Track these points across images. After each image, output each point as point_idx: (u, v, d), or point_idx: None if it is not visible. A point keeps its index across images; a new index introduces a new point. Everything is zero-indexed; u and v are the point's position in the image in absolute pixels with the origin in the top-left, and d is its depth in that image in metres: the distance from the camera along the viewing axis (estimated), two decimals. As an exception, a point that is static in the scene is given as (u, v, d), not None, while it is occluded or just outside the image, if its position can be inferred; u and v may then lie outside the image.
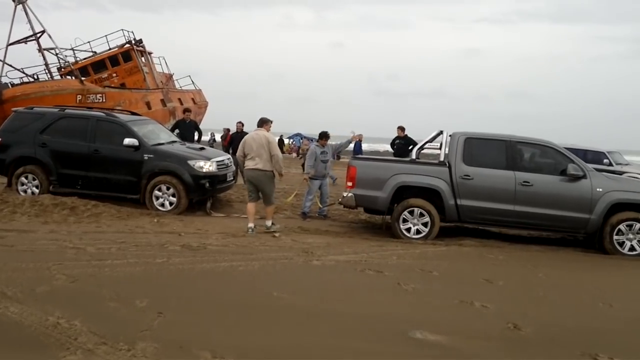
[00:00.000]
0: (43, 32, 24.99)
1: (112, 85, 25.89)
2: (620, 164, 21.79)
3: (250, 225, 9.05)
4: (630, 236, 8.84)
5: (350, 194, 9.58)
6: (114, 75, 26.62)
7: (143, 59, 27.72)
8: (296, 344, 4.33)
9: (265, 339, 4.39)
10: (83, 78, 24.68)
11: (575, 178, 9.03)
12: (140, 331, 4.38)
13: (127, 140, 10.51)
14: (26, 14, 24.37)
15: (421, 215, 9.35)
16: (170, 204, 10.47)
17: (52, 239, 7.76)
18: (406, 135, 15.96)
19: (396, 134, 16.04)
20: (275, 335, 4.49)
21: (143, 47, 27.73)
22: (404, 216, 9.39)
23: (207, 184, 10.59)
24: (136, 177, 10.55)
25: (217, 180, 10.86)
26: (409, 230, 9.42)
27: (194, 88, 31.60)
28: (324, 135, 11.35)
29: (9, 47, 23.99)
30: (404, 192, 9.49)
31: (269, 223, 9.26)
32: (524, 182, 9.12)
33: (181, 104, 27.83)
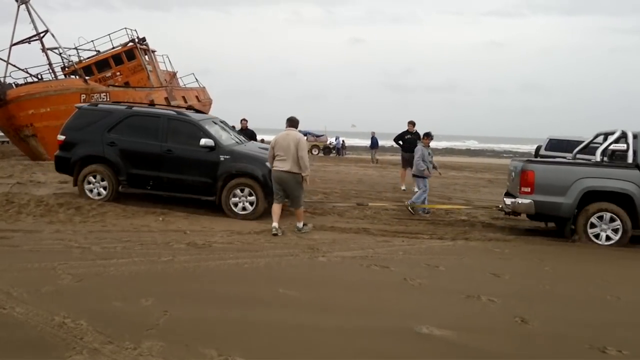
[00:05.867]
0: (46, 31, 25.04)
1: (116, 84, 25.96)
2: None
3: (275, 224, 8.79)
4: None
5: (528, 201, 9.15)
6: (118, 74, 26.71)
7: (146, 57, 27.79)
8: (302, 341, 4.32)
9: (271, 336, 4.38)
10: (87, 77, 24.74)
11: None
12: (146, 330, 4.37)
13: (204, 141, 10.27)
14: (29, 13, 24.42)
15: (612, 220, 8.92)
16: (243, 208, 10.21)
17: (57, 239, 7.77)
18: (416, 130, 15.91)
19: (406, 129, 16.00)
20: (281, 332, 4.47)
21: (146, 45, 27.81)
22: (591, 222, 8.98)
23: None
24: (212, 178, 10.27)
25: None
26: (597, 236, 8.97)
27: (198, 86, 31.66)
28: (429, 135, 12.02)
29: (13, 48, 24.06)
30: (586, 198, 9.06)
31: (300, 224, 9.08)
32: None
33: (185, 101, 27.91)
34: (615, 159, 9.84)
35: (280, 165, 8.86)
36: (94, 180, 10.73)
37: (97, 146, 10.68)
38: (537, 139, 25.03)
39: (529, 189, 9.15)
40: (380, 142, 36.47)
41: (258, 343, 4.23)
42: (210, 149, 10.27)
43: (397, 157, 18.31)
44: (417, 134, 15.89)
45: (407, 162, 15.99)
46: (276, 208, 9.00)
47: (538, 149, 23.99)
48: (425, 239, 8.90)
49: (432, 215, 11.46)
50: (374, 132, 33.95)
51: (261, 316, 4.84)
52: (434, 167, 12.48)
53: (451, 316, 5.07)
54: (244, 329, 4.51)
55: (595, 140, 10.71)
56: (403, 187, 15.85)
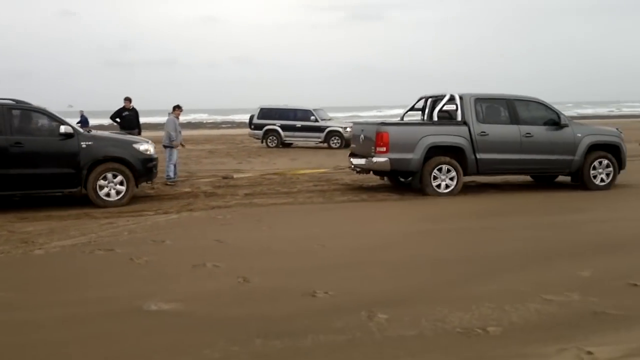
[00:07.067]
0: None
1: None
2: (324, 119, 24.81)
3: None
4: (600, 170, 10.99)
5: (384, 159, 10.16)
6: None
7: None
8: (16, 344, 4.02)
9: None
10: None
11: (562, 127, 10.85)
12: None
13: (64, 128, 9.51)
14: None
15: (448, 171, 10.29)
16: (117, 192, 9.83)
17: None
18: (133, 106, 15.51)
19: (123, 105, 15.47)
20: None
21: None
22: (434, 174, 10.22)
23: (153, 168, 10.39)
24: (74, 168, 9.56)
25: (157, 162, 10.67)
26: (439, 186, 10.28)
27: None
28: (179, 107, 13.00)
29: None
30: (429, 153, 10.28)
31: None
32: (527, 133, 10.75)
33: None
34: (439, 117, 11.21)
35: None
36: None
37: None
38: (251, 108, 26.53)
39: (384, 149, 10.21)
40: (99, 121, 34.52)
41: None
42: (69, 136, 9.56)
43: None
44: (134, 110, 15.53)
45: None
46: None
47: (251, 117, 25.54)
48: (150, 215, 8.90)
49: (156, 190, 11.44)
50: (82, 111, 32.23)
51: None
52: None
53: (179, 288, 5.23)
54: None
55: (417, 104, 12.17)
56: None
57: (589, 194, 10.86)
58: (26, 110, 9.91)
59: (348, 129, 24.38)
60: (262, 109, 25.24)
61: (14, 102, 9.95)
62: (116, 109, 15.67)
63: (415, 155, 10.26)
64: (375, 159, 10.36)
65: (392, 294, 4.94)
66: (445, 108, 10.99)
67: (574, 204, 9.87)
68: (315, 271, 5.73)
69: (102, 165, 9.78)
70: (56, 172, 9.66)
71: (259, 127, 25.01)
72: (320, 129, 24.23)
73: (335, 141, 24.00)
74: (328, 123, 24.73)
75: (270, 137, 24.70)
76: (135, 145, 10.20)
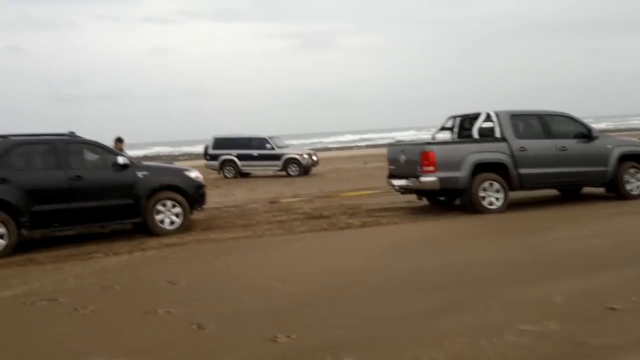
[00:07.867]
0: None
1: None
2: (280, 147, 24.46)
3: None
4: (633, 180, 11.18)
5: (434, 178, 10.14)
6: None
7: None
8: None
9: None
10: None
11: (593, 139, 11.02)
12: None
13: (122, 159, 9.69)
14: None
15: (492, 186, 10.37)
16: (171, 222, 9.97)
17: None
18: None
19: None
20: None
21: None
22: (482, 191, 10.29)
23: (204, 194, 10.52)
24: (134, 198, 9.69)
25: (205, 189, 10.73)
26: (488, 203, 10.34)
27: None
28: (120, 140, 12.95)
29: None
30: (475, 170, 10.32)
31: None
32: (562, 147, 10.85)
33: None
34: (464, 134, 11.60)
35: None
36: None
37: None
38: (208, 139, 25.89)
39: (432, 168, 10.22)
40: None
41: None
42: (124, 167, 9.73)
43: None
44: None
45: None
46: None
47: (206, 148, 25.03)
48: (100, 258, 8.36)
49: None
50: None
51: None
52: None
53: (126, 340, 4.76)
54: None
55: (446, 123, 12.22)
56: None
57: (568, 209, 10.84)
58: (81, 144, 9.96)
59: (305, 156, 24.18)
60: (216, 139, 24.77)
61: (68, 136, 10.01)
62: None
63: (463, 173, 10.33)
64: (423, 179, 10.39)
65: (359, 334, 4.56)
66: (483, 126, 11.08)
67: (547, 224, 9.47)
68: (275, 312, 5.29)
69: (159, 194, 9.89)
70: (118, 203, 9.70)
71: (214, 157, 24.50)
72: (277, 157, 23.90)
73: (294, 169, 23.70)
74: (285, 150, 24.45)
75: (228, 168, 24.23)
76: (187, 173, 10.43)
